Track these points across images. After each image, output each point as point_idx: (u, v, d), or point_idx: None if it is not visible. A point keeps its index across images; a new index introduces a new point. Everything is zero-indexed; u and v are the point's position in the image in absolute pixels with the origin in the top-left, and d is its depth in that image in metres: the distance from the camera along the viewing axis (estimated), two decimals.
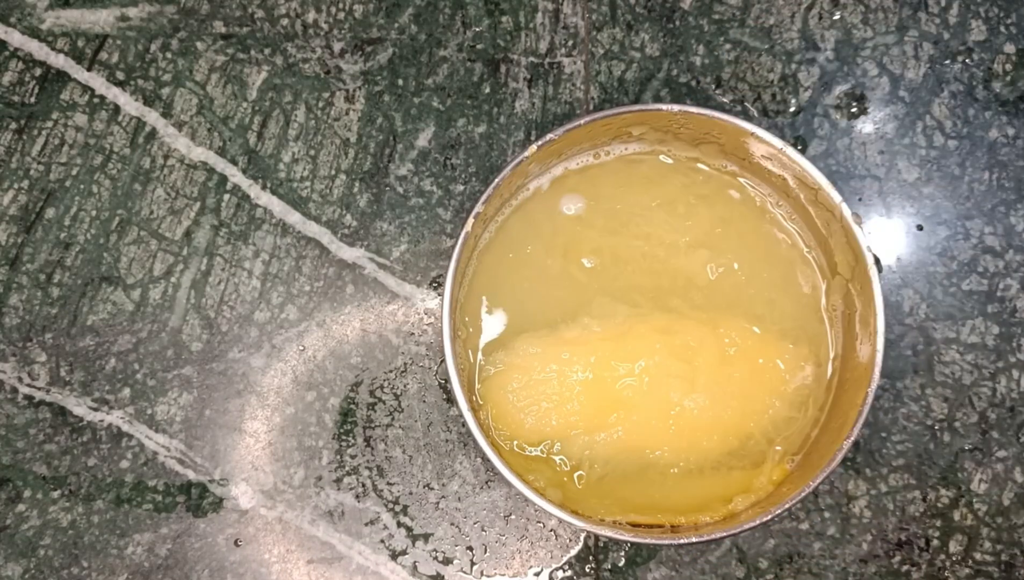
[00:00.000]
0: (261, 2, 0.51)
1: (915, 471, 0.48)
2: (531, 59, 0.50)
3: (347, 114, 0.50)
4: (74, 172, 0.50)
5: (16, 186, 0.50)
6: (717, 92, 0.50)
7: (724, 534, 0.41)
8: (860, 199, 0.50)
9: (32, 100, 0.50)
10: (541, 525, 0.48)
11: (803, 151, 0.49)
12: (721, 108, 0.49)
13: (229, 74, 0.51)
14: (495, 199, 0.43)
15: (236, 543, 0.47)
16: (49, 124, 0.50)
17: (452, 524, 0.47)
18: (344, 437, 0.48)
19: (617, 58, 0.51)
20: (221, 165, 0.50)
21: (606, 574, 0.47)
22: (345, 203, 0.50)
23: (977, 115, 0.50)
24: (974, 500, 0.47)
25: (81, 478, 0.47)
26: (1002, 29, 0.51)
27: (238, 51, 0.51)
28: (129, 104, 0.50)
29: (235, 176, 0.50)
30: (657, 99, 0.50)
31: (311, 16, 0.51)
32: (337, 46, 0.51)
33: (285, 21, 0.51)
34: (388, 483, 0.48)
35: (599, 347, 0.44)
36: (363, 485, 0.48)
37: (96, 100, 0.50)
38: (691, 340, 0.44)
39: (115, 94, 0.50)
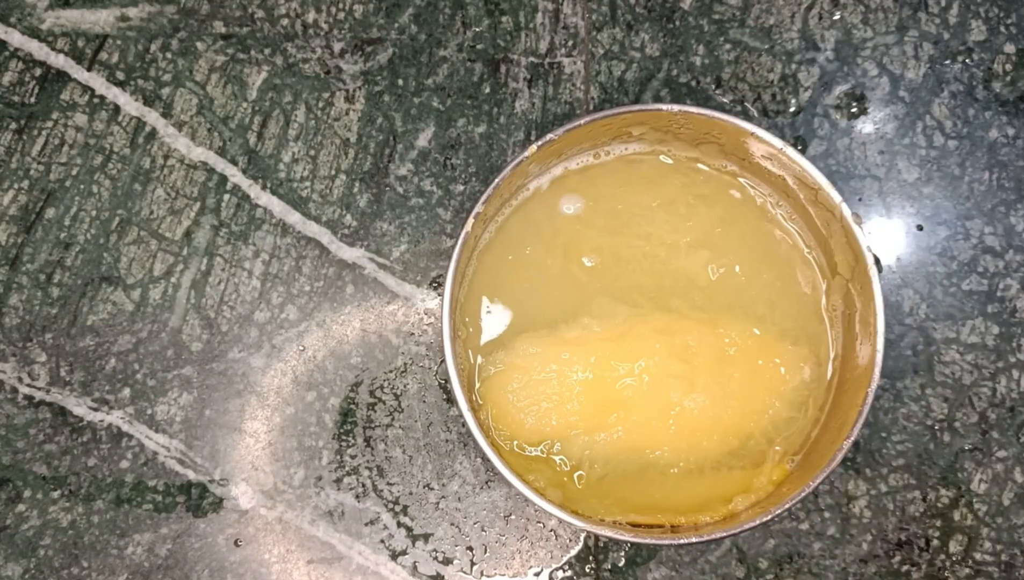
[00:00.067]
0: (261, 2, 0.51)
1: (915, 471, 0.48)
2: (531, 59, 0.50)
3: (347, 114, 0.50)
4: (74, 172, 0.50)
5: (16, 186, 0.50)
6: (717, 92, 0.50)
7: (724, 534, 0.41)
8: (860, 199, 0.50)
9: (32, 100, 0.50)
10: (541, 525, 0.48)
11: (803, 151, 0.49)
12: (721, 108, 0.49)
13: (229, 74, 0.51)
14: (495, 199, 0.43)
15: (236, 543, 0.47)
16: (49, 124, 0.50)
17: (452, 524, 0.47)
18: (344, 437, 0.48)
19: (617, 58, 0.51)
20: (221, 165, 0.50)
21: (606, 574, 0.47)
22: (345, 203, 0.50)
23: (977, 115, 0.50)
24: (974, 500, 0.47)
25: (81, 478, 0.47)
26: (1002, 29, 0.51)
27: (238, 51, 0.51)
28: (129, 104, 0.50)
29: (235, 176, 0.50)
30: (657, 99, 0.50)
31: (311, 16, 0.51)
32: (337, 46, 0.51)
33: (285, 21, 0.51)
34: (388, 483, 0.48)
35: (599, 347, 0.44)
36: (363, 485, 0.48)
37: (96, 100, 0.50)
38: (691, 340, 0.44)
39: (115, 94, 0.50)
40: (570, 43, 0.51)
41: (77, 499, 0.47)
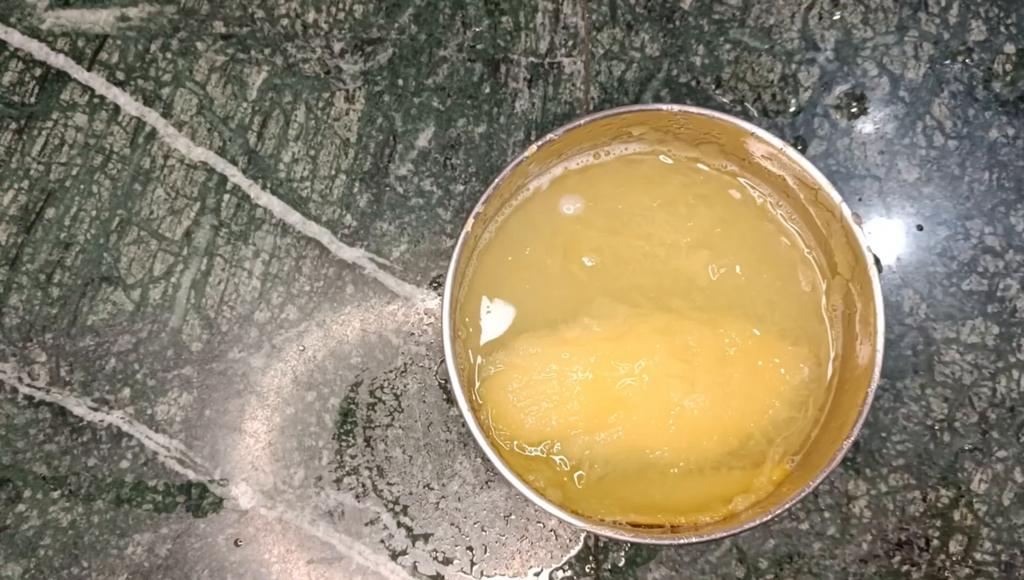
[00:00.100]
0: (261, 2, 0.51)
1: (915, 471, 0.48)
2: (531, 59, 0.50)
3: (347, 114, 0.50)
4: (74, 172, 0.50)
5: (16, 186, 0.50)
6: (717, 92, 0.50)
7: (724, 534, 0.41)
8: (860, 199, 0.50)
9: (32, 100, 0.50)
10: (541, 525, 0.48)
11: (803, 151, 0.49)
12: (721, 108, 0.49)
13: (229, 74, 0.51)
14: (495, 199, 0.43)
15: (236, 543, 0.47)
16: (49, 124, 0.50)
17: (452, 524, 0.47)
18: (344, 437, 0.48)
19: (617, 58, 0.51)
20: (221, 165, 0.50)
21: (606, 574, 0.47)
22: (345, 203, 0.50)
23: (977, 115, 0.50)
24: (974, 500, 0.47)
25: (81, 478, 0.47)
26: (1002, 29, 0.51)
27: (238, 51, 0.51)
28: (129, 104, 0.50)
29: (235, 176, 0.50)
30: (657, 99, 0.50)
31: (311, 16, 0.51)
32: (337, 46, 0.51)
33: (285, 21, 0.51)
34: (388, 483, 0.48)
35: (599, 347, 0.44)
36: (363, 485, 0.48)
37: (96, 100, 0.50)
38: (691, 340, 0.44)
39: (115, 94, 0.50)
40: (570, 43, 0.51)
41: (77, 499, 0.47)
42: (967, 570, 0.47)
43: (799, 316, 0.45)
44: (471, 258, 0.45)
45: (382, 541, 0.47)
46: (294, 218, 0.49)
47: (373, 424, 0.48)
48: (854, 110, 0.50)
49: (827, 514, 0.47)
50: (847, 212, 0.42)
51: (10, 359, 0.48)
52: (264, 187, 0.50)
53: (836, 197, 0.42)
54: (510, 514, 0.48)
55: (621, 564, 0.47)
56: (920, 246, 0.49)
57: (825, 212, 0.44)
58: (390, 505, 0.48)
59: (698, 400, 0.44)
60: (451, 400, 0.48)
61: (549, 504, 0.40)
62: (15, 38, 0.51)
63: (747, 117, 0.50)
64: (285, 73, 0.50)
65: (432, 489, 0.48)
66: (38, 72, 0.50)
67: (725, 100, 0.50)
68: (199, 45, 0.51)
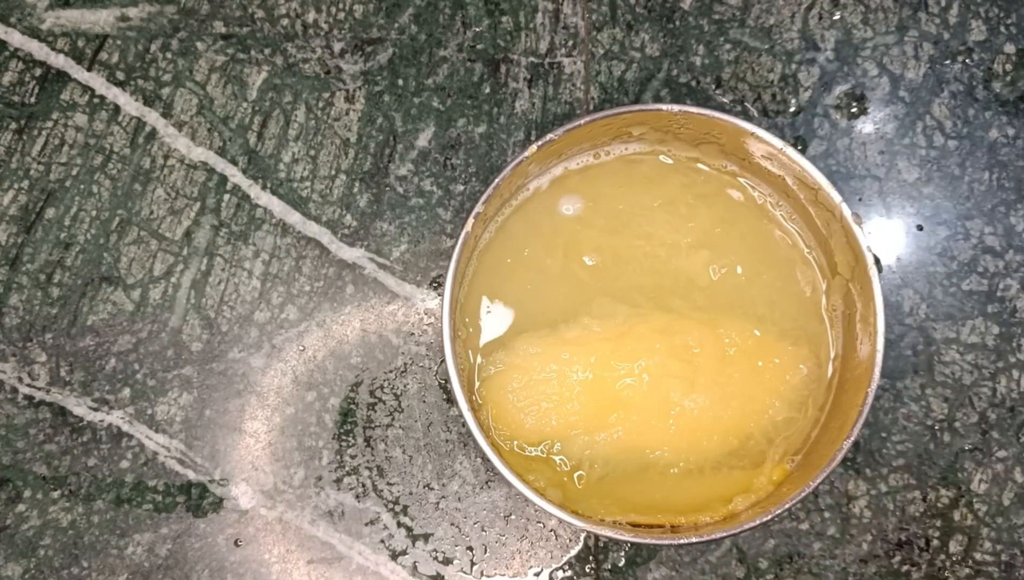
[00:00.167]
0: (261, 2, 0.51)
1: (915, 471, 0.48)
2: (531, 59, 0.50)
3: (347, 114, 0.50)
4: (74, 172, 0.50)
5: (16, 186, 0.50)
6: (717, 92, 0.50)
7: (724, 534, 0.41)
8: (860, 199, 0.50)
9: (32, 100, 0.50)
10: (541, 525, 0.48)
11: (803, 151, 0.49)
12: (721, 108, 0.49)
13: (229, 74, 0.51)
14: (495, 199, 0.43)
15: (236, 543, 0.47)
16: (49, 124, 0.50)
17: (452, 524, 0.47)
18: (344, 437, 0.48)
19: (617, 58, 0.51)
20: (221, 165, 0.50)
21: (606, 574, 0.47)
22: (345, 203, 0.50)
23: (977, 115, 0.50)
24: (974, 500, 0.47)
25: (81, 478, 0.47)
26: (1002, 29, 0.51)
27: (238, 51, 0.51)
28: (129, 104, 0.50)
29: (235, 176, 0.50)
30: (657, 99, 0.50)
31: (311, 16, 0.51)
32: (337, 46, 0.51)
33: (285, 21, 0.51)
34: (388, 483, 0.48)
35: (599, 347, 0.44)
36: (363, 485, 0.48)
37: (96, 100, 0.50)
38: (691, 340, 0.44)
39: (115, 94, 0.50)
40: (570, 43, 0.51)
41: (77, 499, 0.47)
42: (967, 570, 0.47)
43: (799, 316, 0.45)
44: (471, 258, 0.45)
45: (382, 541, 0.47)
46: (294, 218, 0.49)
47: (373, 424, 0.48)
48: (854, 110, 0.50)
49: (827, 514, 0.47)
50: (847, 212, 0.42)
51: (10, 359, 0.48)
52: (264, 187, 0.50)
53: (836, 197, 0.42)
54: (510, 514, 0.48)
55: (621, 564, 0.47)
56: (920, 246, 0.49)
57: (825, 212, 0.44)
58: (390, 505, 0.48)
59: (698, 400, 0.44)
60: (451, 400, 0.48)
61: (549, 504, 0.40)
62: (15, 38, 0.51)
63: (747, 117, 0.50)
64: (285, 73, 0.51)
65: (432, 489, 0.48)
66: (38, 72, 0.50)
67: (725, 100, 0.50)
68: (199, 45, 0.51)
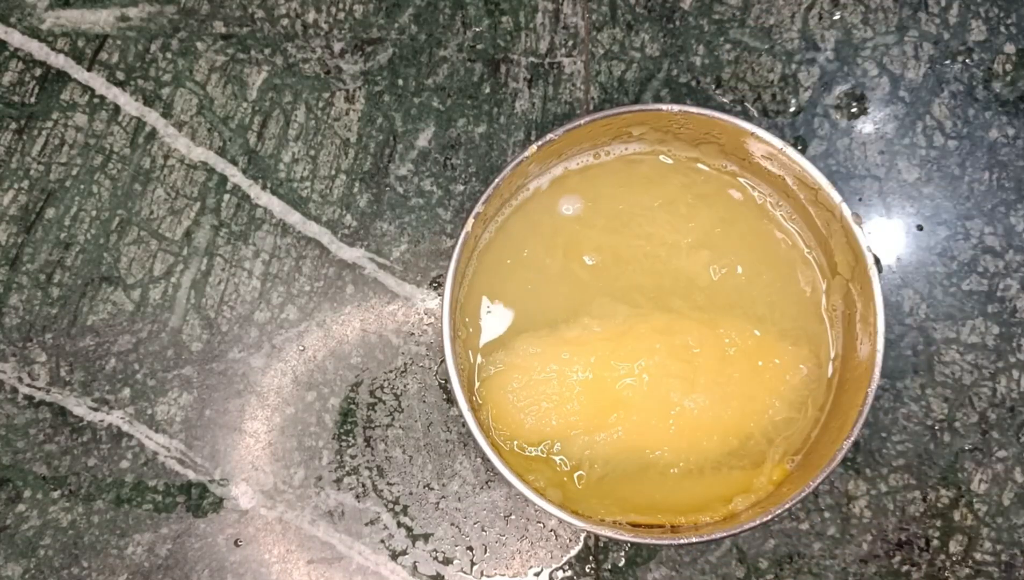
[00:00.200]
0: (261, 2, 0.51)
1: (915, 471, 0.48)
2: (531, 59, 0.50)
3: (347, 114, 0.50)
4: (74, 172, 0.50)
5: (16, 186, 0.50)
6: (717, 92, 0.50)
7: (724, 534, 0.41)
8: (860, 199, 0.50)
9: (32, 100, 0.50)
10: (541, 525, 0.48)
11: (803, 151, 0.49)
12: (721, 108, 0.49)
13: (229, 74, 0.51)
14: (495, 199, 0.43)
15: (236, 543, 0.47)
16: (49, 124, 0.50)
17: (452, 524, 0.47)
18: (344, 437, 0.48)
19: (617, 58, 0.51)
20: (221, 165, 0.50)
21: (606, 574, 0.47)
22: (345, 203, 0.50)
23: (977, 115, 0.50)
24: (974, 500, 0.47)
25: (81, 478, 0.47)
26: (1002, 29, 0.51)
27: (238, 51, 0.51)
28: (129, 104, 0.50)
29: (235, 176, 0.50)
30: (657, 99, 0.50)
31: (311, 16, 0.51)
32: (337, 46, 0.51)
33: (285, 21, 0.51)
34: (388, 483, 0.48)
35: (599, 347, 0.44)
36: (363, 485, 0.48)
37: (96, 100, 0.50)
38: (691, 340, 0.44)
39: (115, 94, 0.50)
40: (570, 43, 0.51)
41: (77, 499, 0.47)
42: (967, 570, 0.47)
43: (799, 316, 0.45)
44: (471, 258, 0.45)
45: (382, 541, 0.47)
46: (294, 218, 0.49)
47: (373, 424, 0.48)
48: (854, 110, 0.50)
49: (827, 514, 0.47)
50: (847, 212, 0.42)
51: (10, 359, 0.48)
52: (264, 187, 0.50)
53: (836, 197, 0.42)
54: (510, 514, 0.48)
55: (621, 564, 0.47)
56: (920, 246, 0.49)
57: (825, 212, 0.44)
58: (390, 505, 0.48)
59: (698, 400, 0.44)
60: (451, 400, 0.48)
61: (549, 504, 0.40)
62: (15, 38, 0.51)
63: (747, 117, 0.50)
64: (285, 73, 0.51)
65: (432, 489, 0.48)
66: (38, 72, 0.50)
67: (725, 100, 0.50)
68: (199, 45, 0.51)
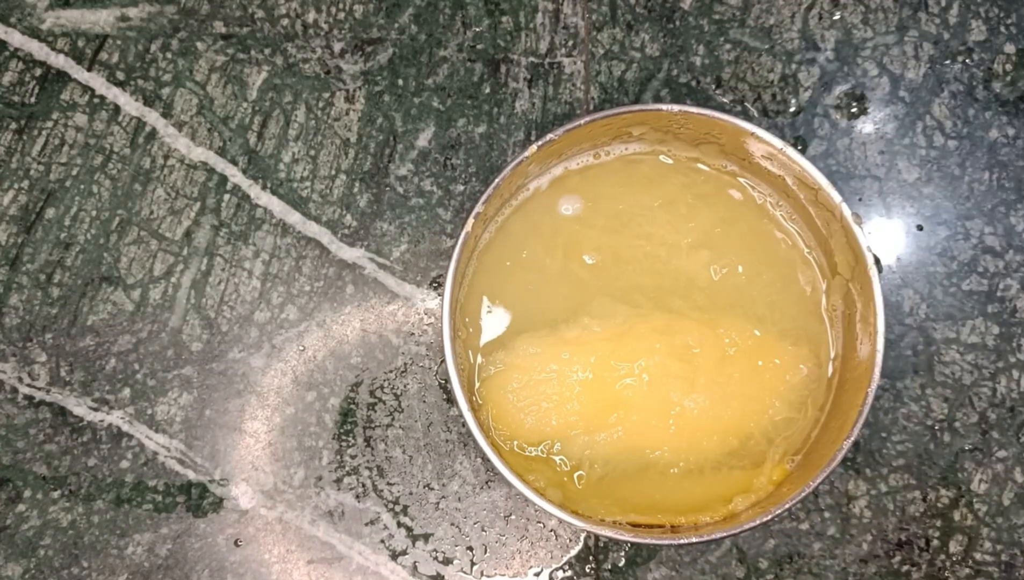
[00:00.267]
0: (261, 2, 0.51)
1: (915, 471, 0.48)
2: (531, 59, 0.50)
3: (347, 114, 0.50)
4: (74, 172, 0.50)
5: (16, 186, 0.50)
6: (717, 92, 0.50)
7: (724, 534, 0.41)
8: (860, 199, 0.50)
9: (32, 100, 0.50)
10: (541, 525, 0.48)
11: (803, 151, 0.49)
12: (721, 108, 0.49)
13: (229, 74, 0.51)
14: (495, 199, 0.43)
15: (236, 543, 0.47)
16: (49, 124, 0.50)
17: (452, 524, 0.47)
18: (344, 437, 0.48)
19: (617, 58, 0.51)
20: (221, 165, 0.50)
21: (606, 574, 0.47)
22: (345, 203, 0.50)
23: (977, 115, 0.50)
24: (974, 500, 0.47)
25: (81, 478, 0.47)
26: (1002, 29, 0.51)
27: (238, 51, 0.51)
28: (129, 104, 0.50)
29: (235, 176, 0.50)
30: (657, 99, 0.50)
31: (311, 16, 0.51)
32: (337, 46, 0.51)
33: (285, 21, 0.51)
34: (388, 483, 0.48)
35: (599, 347, 0.44)
36: (363, 485, 0.48)
37: (96, 100, 0.50)
38: (691, 340, 0.44)
39: (115, 94, 0.50)
40: (570, 43, 0.51)
41: (77, 499, 0.47)
42: (967, 570, 0.47)
43: (799, 316, 0.45)
44: (471, 258, 0.45)
45: (382, 541, 0.47)
46: (294, 218, 0.49)
47: (373, 424, 0.48)
48: (854, 110, 0.50)
49: (827, 514, 0.47)
50: (847, 212, 0.42)
51: (10, 359, 0.48)
52: (264, 187, 0.50)
53: (836, 197, 0.42)
54: (510, 514, 0.48)
55: (621, 564, 0.47)
56: (920, 246, 0.49)
57: (825, 212, 0.44)
58: (390, 505, 0.48)
59: (698, 400, 0.44)
60: (451, 400, 0.48)
61: (549, 504, 0.40)
62: (15, 38, 0.51)
63: (747, 117, 0.50)
64: (285, 73, 0.51)
65: (432, 489, 0.48)
66: (38, 72, 0.50)
67: (725, 100, 0.50)
68: (199, 45, 0.51)
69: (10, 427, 0.48)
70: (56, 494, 0.47)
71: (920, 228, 0.49)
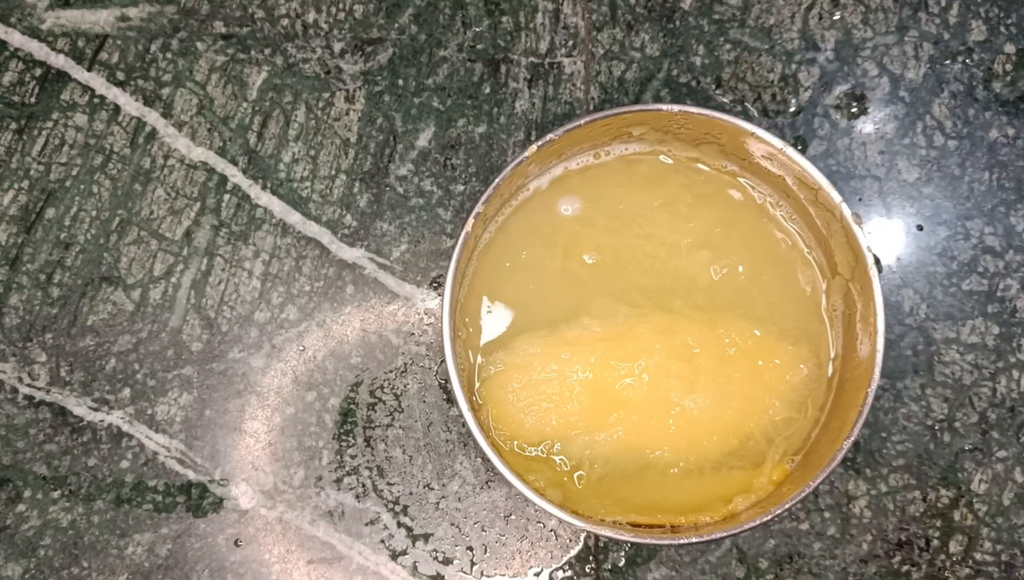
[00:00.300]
0: (261, 2, 0.51)
1: (915, 471, 0.48)
2: (531, 59, 0.50)
3: (347, 114, 0.50)
4: (74, 172, 0.50)
5: (16, 186, 0.50)
6: (717, 92, 0.50)
7: (724, 534, 0.41)
8: (860, 199, 0.50)
9: (32, 100, 0.50)
10: (541, 525, 0.48)
11: (803, 151, 0.49)
12: (721, 108, 0.49)
13: (229, 74, 0.51)
14: (495, 199, 0.43)
15: (236, 543, 0.47)
16: (49, 124, 0.50)
17: (452, 524, 0.47)
18: (344, 437, 0.48)
19: (617, 58, 0.51)
20: (221, 165, 0.50)
21: (606, 574, 0.47)
22: (345, 203, 0.50)
23: (977, 115, 0.50)
24: (974, 500, 0.47)
25: (81, 478, 0.47)
26: (1002, 29, 0.51)
27: (238, 51, 0.51)
28: (129, 104, 0.50)
29: (235, 176, 0.50)
30: (657, 99, 0.50)
31: (311, 16, 0.51)
32: (337, 46, 0.51)
33: (285, 21, 0.51)
34: (388, 483, 0.48)
35: (599, 347, 0.44)
36: (363, 485, 0.48)
37: (96, 100, 0.50)
38: (691, 340, 0.44)
39: (115, 94, 0.50)
40: (570, 43, 0.51)
41: (77, 499, 0.47)
42: (967, 570, 0.47)
43: (799, 316, 0.45)
44: (471, 258, 0.45)
45: (382, 541, 0.47)
46: (294, 218, 0.49)
47: (373, 424, 0.48)
48: (854, 110, 0.50)
49: (827, 514, 0.47)
50: (847, 212, 0.42)
51: (10, 359, 0.48)
52: (264, 187, 0.50)
53: (836, 197, 0.42)
54: (510, 514, 0.48)
55: (621, 564, 0.47)
56: (920, 246, 0.49)
57: (825, 212, 0.44)
58: (390, 505, 0.48)
59: (698, 400, 0.44)
60: (451, 400, 0.48)
61: (549, 504, 0.40)
62: (15, 38, 0.51)
63: (747, 117, 0.50)
64: (285, 73, 0.51)
65: (432, 489, 0.48)
66: (38, 72, 0.50)
67: (725, 100, 0.50)
68: (199, 45, 0.51)
69: (10, 427, 0.48)
70: (56, 494, 0.47)
71: (920, 228, 0.49)
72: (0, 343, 0.48)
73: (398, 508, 0.48)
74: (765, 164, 0.45)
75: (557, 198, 0.46)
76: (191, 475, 0.48)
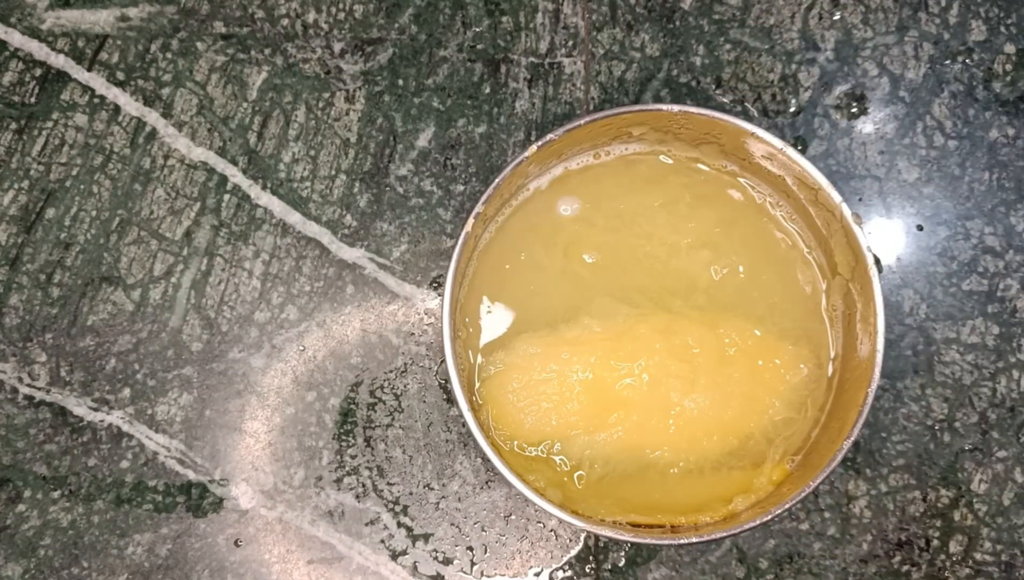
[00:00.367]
0: (261, 2, 0.51)
1: (915, 471, 0.48)
2: (531, 59, 0.50)
3: (347, 114, 0.50)
4: (74, 172, 0.50)
5: (16, 186, 0.50)
6: (717, 92, 0.50)
7: (724, 534, 0.41)
8: (860, 199, 0.50)
9: (32, 100, 0.50)
10: (541, 525, 0.48)
11: (803, 151, 0.49)
12: (721, 108, 0.49)
13: (229, 74, 0.51)
14: (495, 199, 0.43)
15: (236, 543, 0.47)
16: (49, 124, 0.50)
17: (452, 524, 0.47)
18: (344, 437, 0.48)
19: (617, 58, 0.51)
20: (221, 165, 0.50)
21: (606, 574, 0.47)
22: (345, 203, 0.50)
23: (977, 115, 0.50)
24: (974, 500, 0.47)
25: (81, 478, 0.47)
26: (1002, 29, 0.51)
27: (238, 51, 0.51)
28: (129, 104, 0.50)
29: (235, 176, 0.50)
30: (657, 99, 0.50)
31: (311, 16, 0.51)
32: (337, 46, 0.51)
33: (285, 21, 0.51)
34: (388, 483, 0.48)
35: (599, 347, 0.44)
36: (363, 485, 0.48)
37: (96, 100, 0.50)
38: (691, 340, 0.44)
39: (115, 94, 0.50)
40: (570, 43, 0.51)
41: (77, 499, 0.47)
42: (967, 570, 0.47)
43: (799, 316, 0.45)
44: (471, 258, 0.45)
45: (382, 541, 0.47)
46: (294, 218, 0.49)
47: (373, 424, 0.48)
48: (854, 110, 0.50)
49: (827, 514, 0.47)
50: (847, 212, 0.42)
51: (10, 359, 0.48)
52: (264, 187, 0.50)
53: (836, 197, 0.42)
54: (510, 514, 0.48)
55: (621, 564, 0.47)
56: (920, 246, 0.49)
57: (825, 212, 0.44)
58: (390, 505, 0.48)
59: (698, 400, 0.44)
60: (451, 400, 0.48)
61: (549, 504, 0.40)
62: (15, 38, 0.51)
63: (747, 117, 0.50)
64: (285, 73, 0.51)
65: (432, 489, 0.48)
66: (38, 72, 0.50)
67: (725, 100, 0.50)
68: (199, 45, 0.51)
69: (10, 427, 0.48)
70: (56, 494, 0.47)
71: (920, 228, 0.49)
72: (0, 343, 0.48)
73: (398, 508, 0.48)
74: (765, 164, 0.45)
75: (557, 198, 0.46)
76: (191, 475, 0.48)
